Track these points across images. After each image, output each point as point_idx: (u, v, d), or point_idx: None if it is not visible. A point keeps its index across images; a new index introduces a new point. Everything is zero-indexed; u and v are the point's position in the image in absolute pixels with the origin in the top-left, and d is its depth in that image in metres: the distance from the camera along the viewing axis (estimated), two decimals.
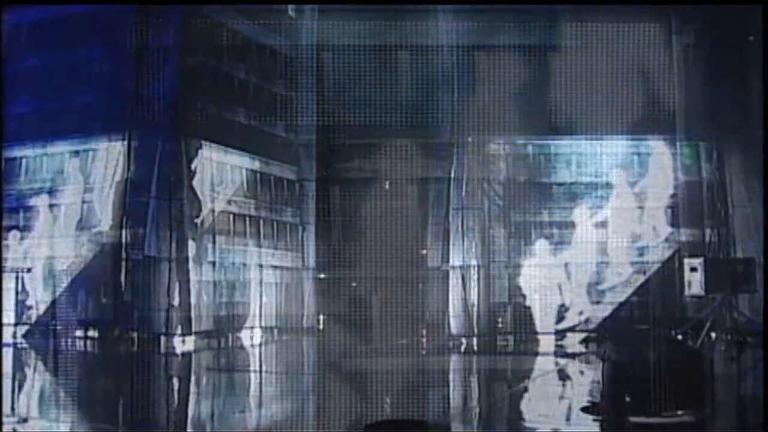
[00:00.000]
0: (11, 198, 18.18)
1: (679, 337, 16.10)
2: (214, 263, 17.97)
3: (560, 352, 17.49)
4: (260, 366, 17.39)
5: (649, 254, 17.98)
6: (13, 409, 11.37)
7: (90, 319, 17.26)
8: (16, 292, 17.72)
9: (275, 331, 18.65)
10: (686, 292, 16.90)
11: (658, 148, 18.13)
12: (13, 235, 18.17)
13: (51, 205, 18.22)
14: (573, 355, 17.18)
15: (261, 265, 18.76)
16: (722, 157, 17.77)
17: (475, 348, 17.52)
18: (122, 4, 16.40)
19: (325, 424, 10.89)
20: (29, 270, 17.89)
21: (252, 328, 18.41)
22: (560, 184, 18.10)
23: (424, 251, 18.06)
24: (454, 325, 17.72)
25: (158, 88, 17.33)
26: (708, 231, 17.69)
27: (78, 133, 17.95)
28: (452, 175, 18.03)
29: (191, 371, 16.09)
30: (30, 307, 17.80)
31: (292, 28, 18.17)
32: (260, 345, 18.36)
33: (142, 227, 17.08)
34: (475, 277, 17.79)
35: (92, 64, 17.63)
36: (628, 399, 9.55)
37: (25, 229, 18.17)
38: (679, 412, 9.40)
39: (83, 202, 17.85)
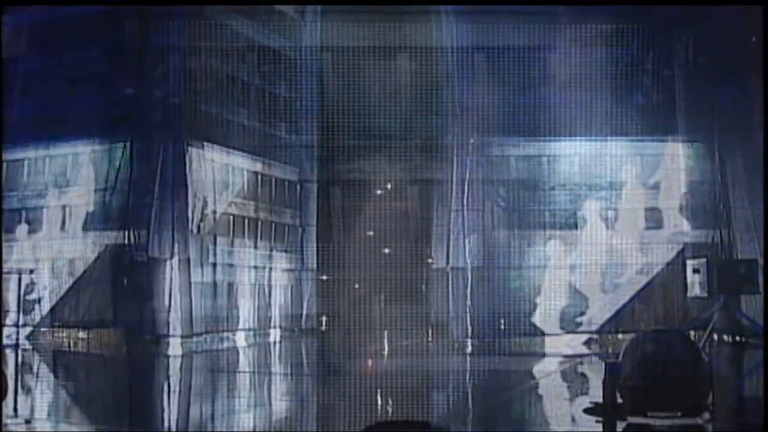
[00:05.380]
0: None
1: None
2: (217, 264, 18.03)
3: (562, 353, 17.50)
4: (258, 366, 17.42)
5: (652, 256, 17.98)
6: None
7: None
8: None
9: (275, 332, 18.68)
10: (689, 294, 16.88)
11: (660, 149, 18.16)
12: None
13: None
14: (575, 356, 17.18)
15: (261, 267, 18.80)
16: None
17: (477, 349, 17.52)
18: (123, 4, 16.39)
19: (326, 424, 10.89)
20: (32, 271, 17.96)
21: (252, 329, 18.45)
22: (562, 186, 18.08)
23: (426, 252, 18.06)
24: (456, 326, 17.72)
25: (160, 89, 17.39)
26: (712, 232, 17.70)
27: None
28: (454, 176, 18.02)
29: (192, 371, 16.15)
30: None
31: (294, 30, 18.19)
32: (259, 346, 18.39)
33: None
34: (477, 278, 17.77)
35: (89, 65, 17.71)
36: (621, 401, 9.54)
37: None
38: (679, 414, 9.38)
39: None
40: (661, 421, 9.41)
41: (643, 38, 17.25)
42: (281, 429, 10.65)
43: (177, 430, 10.30)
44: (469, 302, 17.64)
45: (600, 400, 10.21)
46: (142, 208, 17.35)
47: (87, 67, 17.71)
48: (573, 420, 10.77)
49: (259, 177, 18.97)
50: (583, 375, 15.42)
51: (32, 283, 18.00)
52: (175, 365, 16.34)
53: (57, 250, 18.21)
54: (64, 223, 18.29)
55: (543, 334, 17.73)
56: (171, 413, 11.55)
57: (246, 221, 18.79)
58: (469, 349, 17.50)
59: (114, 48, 17.37)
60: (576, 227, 18.03)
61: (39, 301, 18.09)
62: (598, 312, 17.85)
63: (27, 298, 17.93)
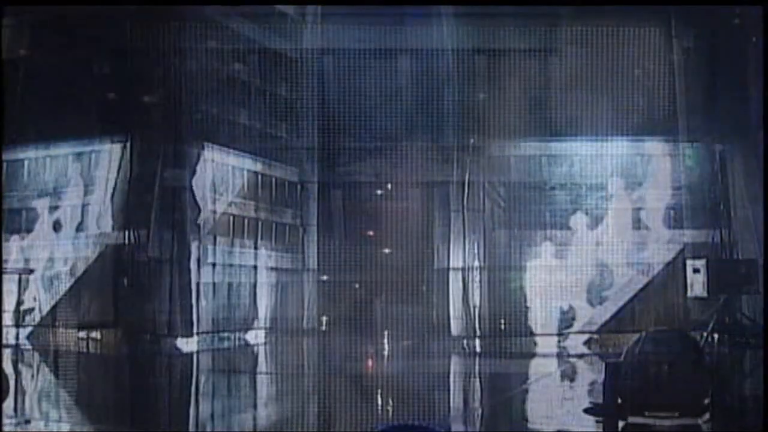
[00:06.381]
0: None
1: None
2: (217, 264, 18.04)
3: (563, 353, 17.50)
4: (259, 366, 17.44)
5: (652, 255, 17.97)
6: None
7: None
8: None
9: (276, 332, 18.67)
10: (689, 294, 16.88)
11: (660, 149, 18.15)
12: None
13: None
14: (575, 356, 17.18)
15: (261, 267, 18.81)
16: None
17: (477, 350, 17.52)
18: (123, 4, 16.39)
19: (327, 425, 10.90)
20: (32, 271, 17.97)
21: (252, 329, 18.45)
22: (563, 186, 18.07)
23: (427, 253, 18.05)
24: (457, 326, 17.71)
25: (160, 89, 17.40)
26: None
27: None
28: (454, 177, 18.02)
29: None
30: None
31: (295, 31, 18.20)
32: (260, 346, 18.40)
33: None
34: (478, 278, 17.77)
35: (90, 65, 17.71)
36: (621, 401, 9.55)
37: None
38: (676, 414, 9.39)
39: None
40: (661, 421, 9.42)
41: (643, 38, 17.24)
42: (282, 429, 10.66)
43: (175, 430, 10.31)
44: (469, 302, 17.64)
45: (600, 400, 10.22)
46: (142, 208, 17.35)
47: (87, 67, 17.72)
48: (572, 420, 10.77)
49: (260, 177, 18.97)
50: (582, 375, 15.43)
51: (32, 283, 18.01)
52: (174, 365, 16.36)
53: (57, 251, 18.21)
54: (64, 223, 18.29)
55: (543, 334, 17.72)
56: (169, 413, 11.56)
57: (246, 221, 18.79)
58: (469, 350, 17.50)
59: (115, 48, 17.37)
60: (576, 227, 18.02)
61: (39, 301, 18.10)
62: (599, 312, 17.85)
63: (27, 298, 17.94)
